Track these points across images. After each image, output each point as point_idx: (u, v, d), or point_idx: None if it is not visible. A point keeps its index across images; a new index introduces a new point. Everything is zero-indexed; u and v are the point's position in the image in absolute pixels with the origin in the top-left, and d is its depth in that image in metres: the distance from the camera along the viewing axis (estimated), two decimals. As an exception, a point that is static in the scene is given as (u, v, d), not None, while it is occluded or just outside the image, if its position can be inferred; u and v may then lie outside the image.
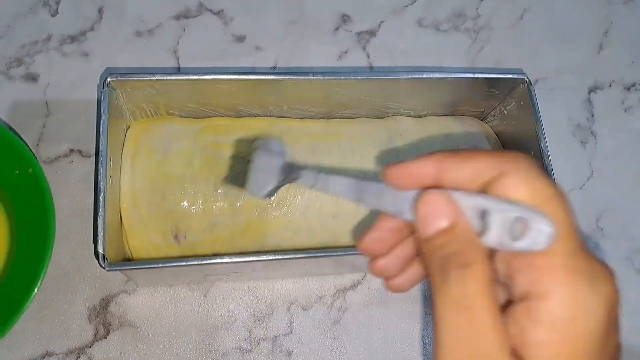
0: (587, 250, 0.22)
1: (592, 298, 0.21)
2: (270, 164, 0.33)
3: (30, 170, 0.41)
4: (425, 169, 0.24)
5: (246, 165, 0.35)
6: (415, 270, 0.28)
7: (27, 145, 0.42)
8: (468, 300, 0.21)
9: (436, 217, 0.23)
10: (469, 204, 0.23)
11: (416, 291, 0.47)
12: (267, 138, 0.38)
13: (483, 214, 0.23)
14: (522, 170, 0.22)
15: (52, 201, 0.40)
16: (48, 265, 0.38)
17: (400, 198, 0.25)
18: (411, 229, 0.27)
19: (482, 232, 0.23)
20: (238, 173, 0.37)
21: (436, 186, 0.24)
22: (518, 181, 0.22)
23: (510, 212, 0.22)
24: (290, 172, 0.32)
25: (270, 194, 0.33)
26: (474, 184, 0.23)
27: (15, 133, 0.46)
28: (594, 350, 0.21)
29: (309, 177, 0.31)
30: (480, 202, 0.23)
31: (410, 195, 0.25)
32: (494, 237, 0.22)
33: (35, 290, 0.38)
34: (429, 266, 0.23)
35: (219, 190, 0.39)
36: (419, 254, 0.27)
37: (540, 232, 0.22)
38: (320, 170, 0.32)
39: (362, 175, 0.33)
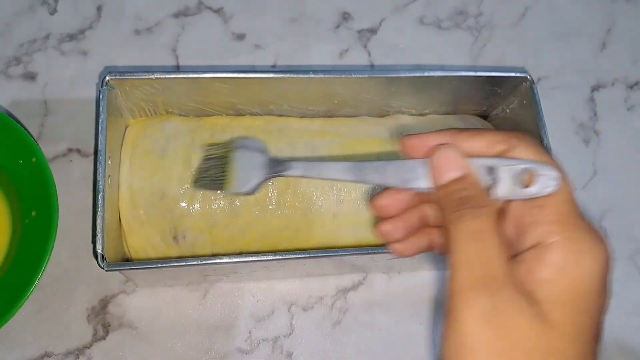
0: (586, 218, 0.26)
1: (592, 253, 0.24)
2: (253, 161, 0.34)
3: (34, 159, 0.40)
4: (441, 140, 0.27)
5: (221, 167, 0.35)
6: (420, 239, 0.31)
7: (31, 135, 0.42)
8: (481, 234, 0.24)
9: (449, 168, 0.26)
10: (478, 163, 0.26)
11: (417, 292, 0.47)
12: (245, 138, 0.38)
13: (491, 171, 0.25)
14: (528, 145, 0.26)
15: (56, 191, 0.40)
16: (50, 254, 0.38)
17: (405, 168, 0.28)
18: (415, 201, 0.30)
19: (491, 186, 0.25)
20: (212, 174, 0.36)
21: None
22: (525, 153, 0.26)
23: (517, 164, 0.25)
24: (276, 166, 0.33)
25: (254, 190, 0.33)
26: (484, 155, 0.26)
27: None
28: (591, 294, 0.24)
29: (299, 167, 0.32)
30: (488, 161, 0.26)
31: (413, 163, 0.27)
32: (504, 188, 0.25)
33: (37, 280, 0.37)
34: (444, 207, 0.26)
35: (218, 190, 0.39)
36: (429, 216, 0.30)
37: (548, 177, 0.24)
38: (308, 159, 0.32)
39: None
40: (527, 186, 0.25)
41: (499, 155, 0.26)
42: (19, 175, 0.41)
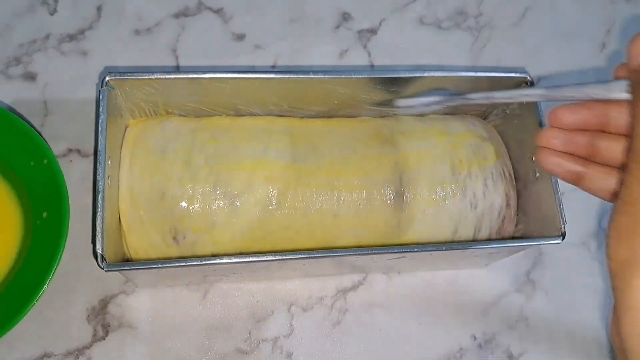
0: None
1: None
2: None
3: (45, 161, 0.41)
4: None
5: None
6: (575, 164, 0.30)
7: (42, 137, 0.42)
8: None
9: None
10: None
11: (417, 292, 0.47)
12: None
13: None
14: None
15: (67, 192, 0.40)
16: (62, 255, 0.38)
17: (603, 85, 0.28)
18: (593, 124, 0.30)
19: None
20: None
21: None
22: None
23: None
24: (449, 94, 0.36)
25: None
26: None
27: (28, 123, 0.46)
28: None
29: (480, 96, 0.35)
30: None
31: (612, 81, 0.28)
32: None
33: (48, 280, 0.38)
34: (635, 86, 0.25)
35: (218, 190, 0.39)
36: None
37: None
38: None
39: None
40: None
41: None
42: (31, 177, 0.41)
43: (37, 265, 0.39)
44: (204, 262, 0.36)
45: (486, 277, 0.48)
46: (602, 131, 0.30)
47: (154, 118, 0.43)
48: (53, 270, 0.38)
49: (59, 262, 0.38)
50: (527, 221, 0.43)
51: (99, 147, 0.36)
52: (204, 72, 0.39)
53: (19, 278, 0.39)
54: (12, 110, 0.48)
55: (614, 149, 0.30)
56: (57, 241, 0.39)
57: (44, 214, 0.40)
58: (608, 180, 0.30)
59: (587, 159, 0.30)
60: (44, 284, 0.38)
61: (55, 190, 0.40)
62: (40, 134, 0.42)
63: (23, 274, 0.39)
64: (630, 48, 0.27)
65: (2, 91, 0.48)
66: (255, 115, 0.44)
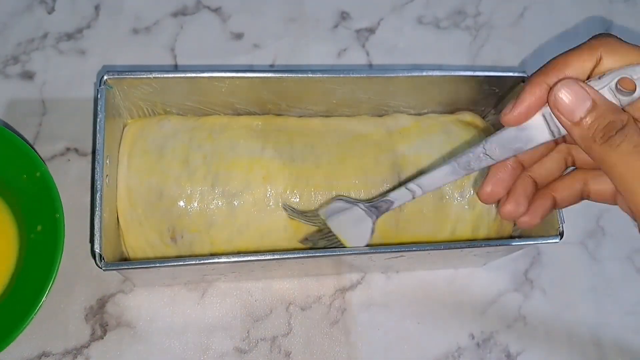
0: None
1: None
2: (353, 217, 0.35)
3: (37, 173, 0.40)
4: (536, 94, 0.26)
5: (328, 237, 0.38)
6: (543, 202, 0.30)
7: (33, 148, 0.42)
8: (639, 147, 0.24)
9: (577, 103, 0.25)
10: (596, 85, 0.25)
11: (415, 292, 0.47)
12: (324, 207, 0.39)
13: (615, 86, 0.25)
14: (613, 52, 0.25)
15: (61, 205, 0.39)
16: (58, 268, 0.38)
17: (512, 136, 0.27)
18: (517, 169, 0.30)
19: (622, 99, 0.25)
20: (326, 245, 0.38)
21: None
22: (613, 62, 0.25)
23: (610, 81, 0.25)
24: (378, 207, 0.35)
25: (371, 238, 0.36)
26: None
27: (15, 132, 0.45)
28: None
29: (403, 194, 0.34)
30: (608, 79, 0.25)
31: (516, 129, 0.27)
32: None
33: (45, 294, 0.37)
34: (588, 142, 0.25)
35: (216, 190, 0.39)
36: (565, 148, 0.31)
37: None
38: (401, 183, 0.33)
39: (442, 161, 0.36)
40: (629, 90, 0.25)
41: (590, 76, 0.26)
42: (23, 190, 0.41)
43: (34, 279, 0.38)
44: (202, 262, 0.36)
45: (484, 276, 0.48)
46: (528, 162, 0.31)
47: (152, 117, 0.43)
48: (50, 284, 0.37)
49: (55, 275, 0.38)
50: (525, 220, 0.43)
51: (97, 146, 0.36)
52: (202, 72, 0.39)
53: (15, 292, 0.39)
54: (10, 109, 0.48)
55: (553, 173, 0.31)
56: (53, 254, 0.38)
57: (39, 227, 0.40)
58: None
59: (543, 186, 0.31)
60: (42, 298, 0.37)
61: (49, 203, 0.39)
62: (32, 146, 0.41)
63: (20, 288, 0.39)
64: (559, 105, 0.26)
65: (0, 90, 0.48)
66: (253, 114, 0.44)
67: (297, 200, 0.40)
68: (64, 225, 0.39)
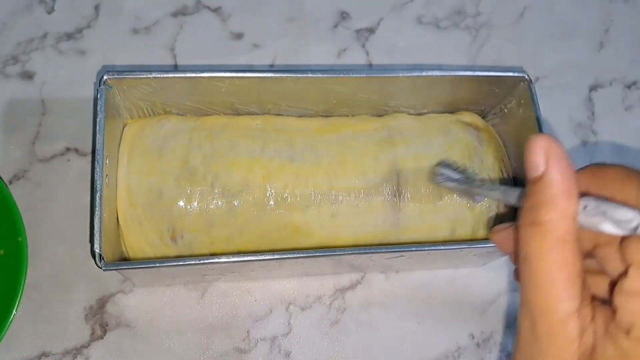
0: None
1: None
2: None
3: None
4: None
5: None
6: None
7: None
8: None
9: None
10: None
11: (415, 292, 0.47)
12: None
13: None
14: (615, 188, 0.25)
15: (23, 227, 0.38)
16: (22, 294, 0.37)
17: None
18: None
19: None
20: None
21: None
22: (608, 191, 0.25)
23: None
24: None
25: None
26: None
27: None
28: None
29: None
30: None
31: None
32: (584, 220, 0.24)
33: (9, 322, 0.36)
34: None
35: (216, 190, 0.39)
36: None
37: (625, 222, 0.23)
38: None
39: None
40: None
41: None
42: None
43: None
44: (201, 262, 0.36)
45: (484, 276, 0.48)
46: None
47: (151, 117, 0.43)
48: (13, 312, 0.36)
49: (19, 303, 0.37)
50: (525, 220, 0.43)
51: (97, 146, 0.36)
52: (202, 71, 0.39)
53: None
54: (9, 109, 0.48)
55: None
56: (17, 278, 0.37)
57: (1, 252, 0.39)
58: None
59: None
60: (5, 326, 0.36)
61: (11, 225, 0.38)
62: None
63: None
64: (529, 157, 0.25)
65: (0, 90, 0.48)
66: (253, 114, 0.44)
67: (297, 200, 0.40)
68: (26, 249, 0.38)
